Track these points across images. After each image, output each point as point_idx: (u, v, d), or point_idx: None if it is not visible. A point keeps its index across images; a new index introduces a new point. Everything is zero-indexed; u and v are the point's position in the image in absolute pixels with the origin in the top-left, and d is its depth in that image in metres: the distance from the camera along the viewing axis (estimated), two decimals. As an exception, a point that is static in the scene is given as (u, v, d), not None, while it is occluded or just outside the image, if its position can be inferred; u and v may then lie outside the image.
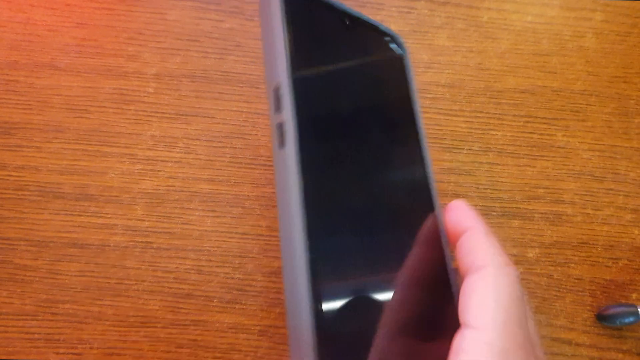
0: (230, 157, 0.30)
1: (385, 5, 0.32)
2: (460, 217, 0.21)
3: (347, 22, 0.23)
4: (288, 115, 0.19)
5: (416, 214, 0.22)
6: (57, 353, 0.27)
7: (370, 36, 0.24)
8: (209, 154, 0.30)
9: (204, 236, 0.29)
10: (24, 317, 0.28)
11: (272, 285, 0.28)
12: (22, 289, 0.28)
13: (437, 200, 0.22)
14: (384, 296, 0.20)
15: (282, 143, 0.19)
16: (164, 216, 0.29)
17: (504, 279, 0.18)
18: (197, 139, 0.30)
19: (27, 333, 0.27)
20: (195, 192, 0.29)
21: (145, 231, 0.29)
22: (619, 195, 0.30)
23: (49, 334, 0.27)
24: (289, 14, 0.20)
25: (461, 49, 0.31)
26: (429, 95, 0.31)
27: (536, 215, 0.30)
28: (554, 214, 0.30)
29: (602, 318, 0.28)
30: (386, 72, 0.24)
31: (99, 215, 0.29)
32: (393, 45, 0.24)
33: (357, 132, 0.22)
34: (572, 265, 0.29)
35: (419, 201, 0.22)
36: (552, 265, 0.29)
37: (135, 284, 0.28)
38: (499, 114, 0.31)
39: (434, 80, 0.31)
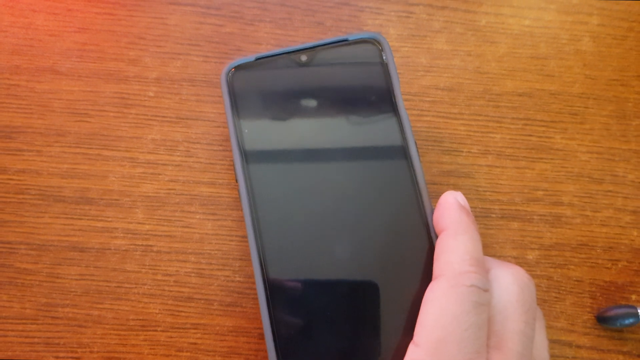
0: (230, 161, 0.30)
1: (384, 10, 0.32)
2: (441, 215, 0.20)
3: (303, 59, 0.24)
4: (242, 187, 0.22)
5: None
6: (57, 357, 0.27)
7: (336, 55, 0.24)
8: (209, 157, 0.30)
9: (204, 239, 0.29)
10: (23, 321, 0.28)
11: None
12: (22, 293, 0.28)
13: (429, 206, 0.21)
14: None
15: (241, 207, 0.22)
16: (164, 219, 0.29)
17: (452, 291, 0.17)
18: (197, 142, 0.30)
19: (26, 337, 0.27)
20: (195, 195, 0.29)
21: (146, 234, 0.29)
22: (618, 197, 0.30)
23: (48, 337, 0.27)
24: (234, 99, 0.23)
25: (459, 52, 0.32)
26: (428, 99, 0.31)
27: (535, 217, 0.30)
28: (553, 215, 0.30)
29: (602, 320, 0.28)
30: (360, 86, 0.23)
31: (100, 218, 0.29)
32: (366, 50, 0.24)
33: (327, 176, 0.22)
34: (572, 267, 0.29)
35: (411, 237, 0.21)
36: (551, 267, 0.29)
37: (136, 287, 0.28)
38: (498, 116, 0.31)
39: (432, 84, 0.31)
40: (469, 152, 0.30)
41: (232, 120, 0.23)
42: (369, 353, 0.20)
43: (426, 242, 0.21)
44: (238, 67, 0.24)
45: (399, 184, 0.22)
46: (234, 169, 0.22)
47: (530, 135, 0.31)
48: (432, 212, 0.21)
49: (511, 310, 0.18)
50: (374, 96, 0.23)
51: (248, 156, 0.22)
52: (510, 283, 0.19)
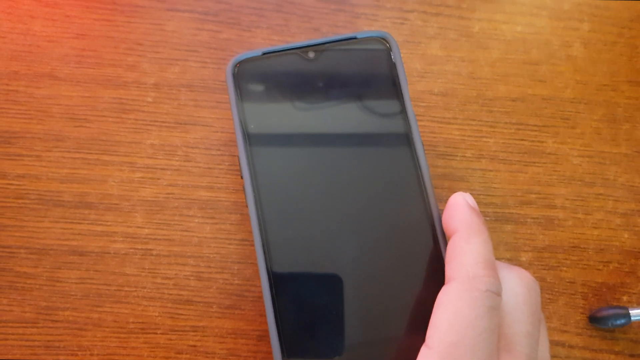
0: (228, 165, 0.30)
1: (379, 16, 0.33)
2: (450, 216, 0.20)
3: (311, 56, 0.24)
4: (247, 182, 0.22)
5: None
6: (57, 360, 0.27)
7: (344, 53, 0.24)
8: (207, 161, 0.30)
9: (203, 243, 0.29)
10: (24, 325, 0.28)
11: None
12: (22, 297, 0.28)
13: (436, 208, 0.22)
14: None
15: (245, 204, 0.22)
16: (163, 223, 0.29)
17: (467, 295, 0.17)
18: (195, 147, 0.30)
19: (27, 340, 0.28)
20: (194, 199, 0.30)
21: (145, 238, 0.29)
22: (609, 199, 0.31)
23: (49, 341, 0.28)
24: (240, 94, 0.23)
25: (453, 58, 0.32)
26: (422, 104, 0.32)
27: (529, 219, 0.30)
28: (546, 218, 0.30)
29: (594, 320, 0.29)
30: (368, 84, 0.24)
31: (99, 222, 0.29)
32: (374, 49, 0.24)
33: (333, 177, 0.22)
34: (564, 268, 0.30)
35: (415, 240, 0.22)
36: (544, 269, 0.30)
37: (135, 290, 0.28)
38: (491, 121, 0.32)
39: (427, 89, 0.32)
40: (463, 156, 0.31)
41: (237, 116, 0.23)
42: (373, 350, 0.20)
43: (431, 239, 0.21)
44: (244, 62, 0.23)
45: (405, 182, 0.22)
46: (239, 166, 0.22)
47: (523, 140, 0.31)
48: (437, 208, 0.21)
49: (519, 313, 0.18)
50: (382, 95, 0.23)
51: (254, 152, 0.22)
52: (517, 285, 0.19)
